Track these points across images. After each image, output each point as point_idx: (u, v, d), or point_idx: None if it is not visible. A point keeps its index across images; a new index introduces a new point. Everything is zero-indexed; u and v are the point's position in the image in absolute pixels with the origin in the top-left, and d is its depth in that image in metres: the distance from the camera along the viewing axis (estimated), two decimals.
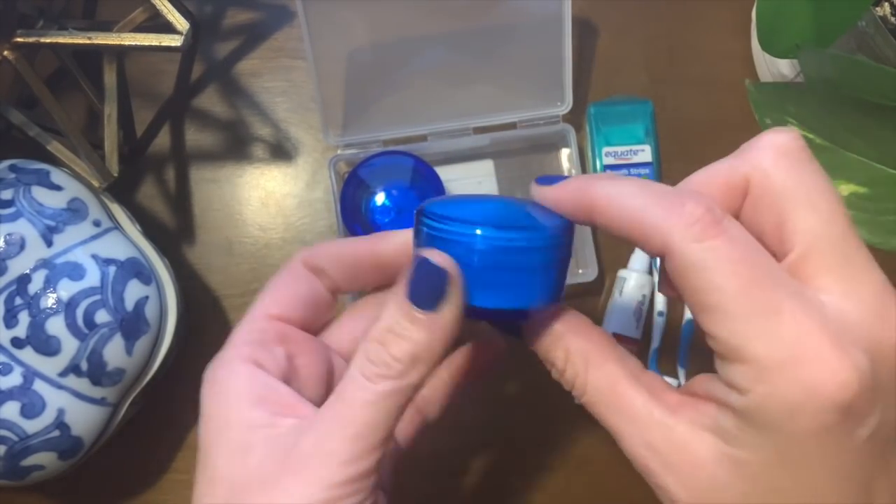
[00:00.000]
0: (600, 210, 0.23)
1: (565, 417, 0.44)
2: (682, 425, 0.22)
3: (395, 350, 0.23)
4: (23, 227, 0.37)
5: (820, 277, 0.21)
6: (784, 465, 0.20)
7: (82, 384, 0.37)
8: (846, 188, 0.30)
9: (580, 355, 0.24)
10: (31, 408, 0.36)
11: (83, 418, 0.37)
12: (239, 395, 0.25)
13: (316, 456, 0.23)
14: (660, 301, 0.46)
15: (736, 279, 0.20)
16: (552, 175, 0.26)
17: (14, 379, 0.36)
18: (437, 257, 0.23)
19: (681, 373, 0.45)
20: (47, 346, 0.36)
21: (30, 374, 0.36)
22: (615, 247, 0.46)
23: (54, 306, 0.36)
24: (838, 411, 0.19)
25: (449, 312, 0.23)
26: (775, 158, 0.22)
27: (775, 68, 0.45)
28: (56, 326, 0.36)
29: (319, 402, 0.25)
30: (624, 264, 0.46)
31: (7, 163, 0.40)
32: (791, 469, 0.20)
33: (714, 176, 0.23)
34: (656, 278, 0.46)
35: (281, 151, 0.48)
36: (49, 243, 0.37)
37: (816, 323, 0.20)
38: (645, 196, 0.22)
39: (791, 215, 0.22)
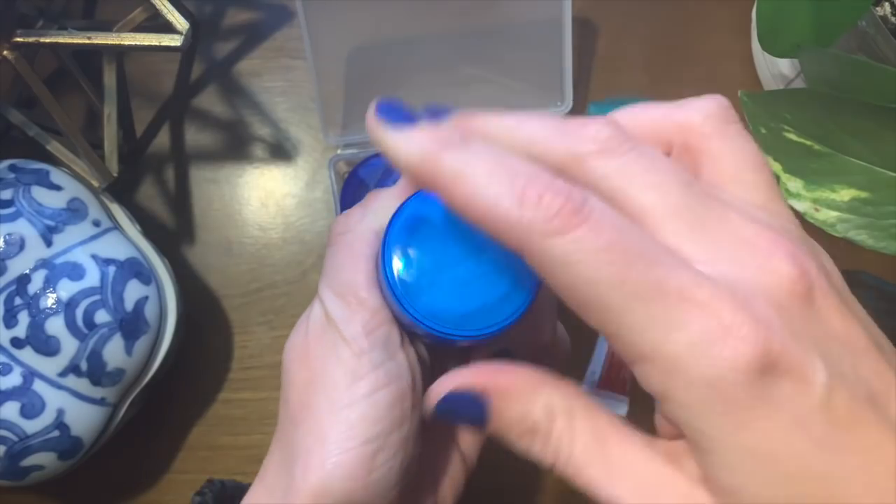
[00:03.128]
0: (448, 195, 0.18)
1: None
2: (683, 477, 0.19)
3: None
4: (22, 227, 0.37)
5: (682, 249, 0.18)
6: (764, 475, 0.17)
7: (82, 384, 0.37)
8: (847, 193, 0.29)
9: (564, 410, 0.20)
10: (31, 408, 0.36)
11: (83, 418, 0.37)
12: None
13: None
14: None
15: (609, 266, 0.17)
16: (394, 103, 0.20)
17: (14, 379, 0.36)
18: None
19: None
20: (47, 347, 0.36)
21: (29, 375, 0.36)
22: None
23: (54, 306, 0.36)
24: (758, 373, 0.16)
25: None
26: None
27: (775, 68, 0.45)
28: (56, 326, 0.36)
29: None
30: None
31: (7, 163, 0.40)
32: (773, 475, 0.17)
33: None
34: None
35: (281, 151, 0.48)
36: (49, 243, 0.37)
37: (709, 290, 0.17)
38: (498, 183, 0.18)
39: (625, 194, 0.19)
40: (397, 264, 0.24)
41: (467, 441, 0.29)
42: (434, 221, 0.24)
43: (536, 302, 0.24)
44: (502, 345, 0.26)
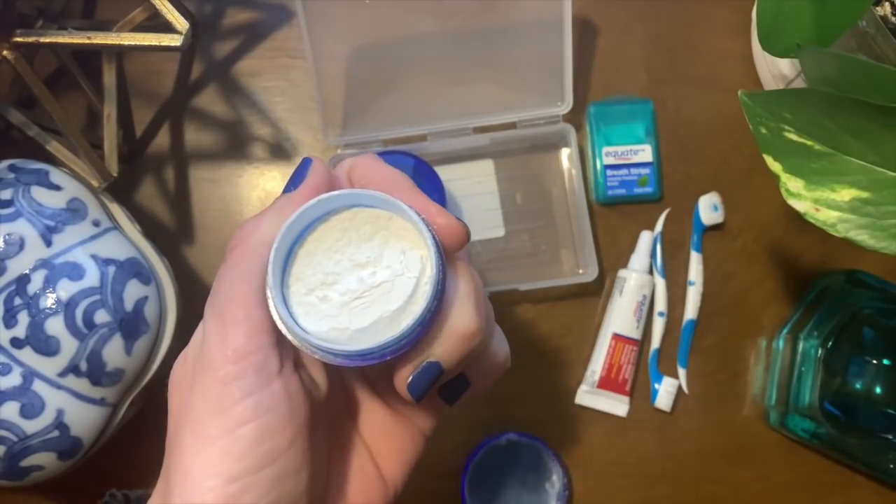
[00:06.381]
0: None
1: (565, 418, 0.44)
2: None
3: None
4: (22, 227, 0.37)
5: None
6: None
7: (82, 384, 0.37)
8: (847, 193, 0.29)
9: None
10: (31, 408, 0.36)
11: (83, 418, 0.37)
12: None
13: None
14: (660, 301, 0.46)
15: None
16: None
17: (13, 379, 0.36)
18: None
19: (681, 373, 0.45)
20: (47, 347, 0.36)
21: (29, 375, 0.36)
22: (615, 246, 0.46)
23: (53, 306, 0.36)
24: None
25: None
26: None
27: (776, 68, 0.45)
28: (55, 326, 0.36)
29: None
30: (624, 264, 0.46)
31: (6, 163, 0.39)
32: None
33: None
34: (657, 278, 0.46)
35: (280, 151, 0.48)
36: (48, 243, 0.37)
37: None
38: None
39: None
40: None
41: (390, 465, 0.27)
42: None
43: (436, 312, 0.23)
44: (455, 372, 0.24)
